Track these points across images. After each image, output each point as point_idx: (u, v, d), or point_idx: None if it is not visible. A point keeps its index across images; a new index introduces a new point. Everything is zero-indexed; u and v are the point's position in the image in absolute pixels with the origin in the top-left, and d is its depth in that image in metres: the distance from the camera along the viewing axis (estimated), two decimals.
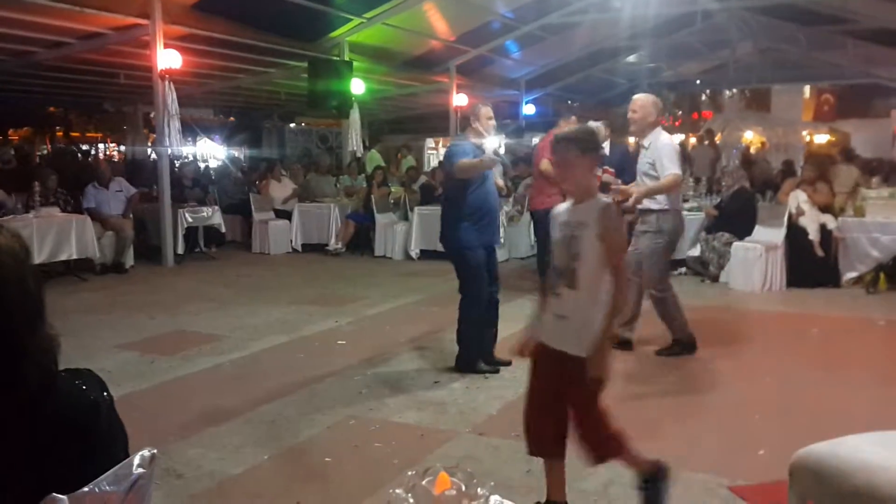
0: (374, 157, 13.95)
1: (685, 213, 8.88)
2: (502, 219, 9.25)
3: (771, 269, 8.01)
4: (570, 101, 21.59)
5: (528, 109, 18.20)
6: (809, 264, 8.06)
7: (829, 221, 8.29)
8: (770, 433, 4.00)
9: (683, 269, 8.88)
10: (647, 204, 5.32)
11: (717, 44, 17.65)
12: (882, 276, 7.94)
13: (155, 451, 1.48)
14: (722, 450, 3.84)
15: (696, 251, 8.70)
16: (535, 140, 17.80)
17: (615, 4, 13.04)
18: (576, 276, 2.83)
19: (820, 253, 8.15)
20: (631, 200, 5.20)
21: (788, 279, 8.06)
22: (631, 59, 18.71)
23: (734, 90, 26.68)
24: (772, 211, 9.07)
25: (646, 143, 5.38)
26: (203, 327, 6.51)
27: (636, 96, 5.54)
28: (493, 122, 5.09)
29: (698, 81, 23.63)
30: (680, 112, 28.00)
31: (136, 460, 1.45)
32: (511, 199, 10.48)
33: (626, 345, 5.49)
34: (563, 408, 2.92)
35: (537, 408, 2.99)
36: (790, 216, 8.23)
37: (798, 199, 8.41)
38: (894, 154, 21.34)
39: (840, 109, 25.53)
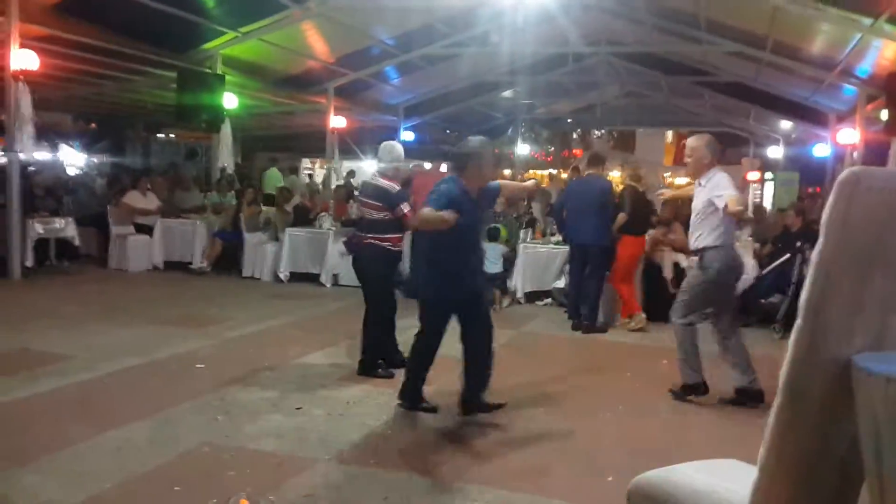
0: (274, 176, 13.14)
1: (552, 247, 9.26)
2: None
3: None
4: (447, 131, 21.98)
5: (407, 136, 18.31)
6: (664, 300, 8.43)
7: (682, 260, 8.75)
8: (620, 460, 4.14)
9: (549, 300, 9.14)
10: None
11: (587, 85, 18.54)
12: None
13: None
14: (575, 477, 3.94)
15: (560, 283, 8.97)
16: (414, 165, 17.87)
17: (493, 39, 13.43)
18: None
19: (673, 290, 8.55)
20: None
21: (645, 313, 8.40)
22: (507, 94, 19.26)
23: (602, 130, 28.09)
24: None
25: (703, 181, 5.32)
26: (49, 346, 6.08)
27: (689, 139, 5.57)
28: None
29: (569, 120, 24.70)
30: (552, 148, 29.13)
31: None
32: None
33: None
34: None
35: None
36: (645, 254, 8.62)
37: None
38: (745, 199, 23.06)
39: None
